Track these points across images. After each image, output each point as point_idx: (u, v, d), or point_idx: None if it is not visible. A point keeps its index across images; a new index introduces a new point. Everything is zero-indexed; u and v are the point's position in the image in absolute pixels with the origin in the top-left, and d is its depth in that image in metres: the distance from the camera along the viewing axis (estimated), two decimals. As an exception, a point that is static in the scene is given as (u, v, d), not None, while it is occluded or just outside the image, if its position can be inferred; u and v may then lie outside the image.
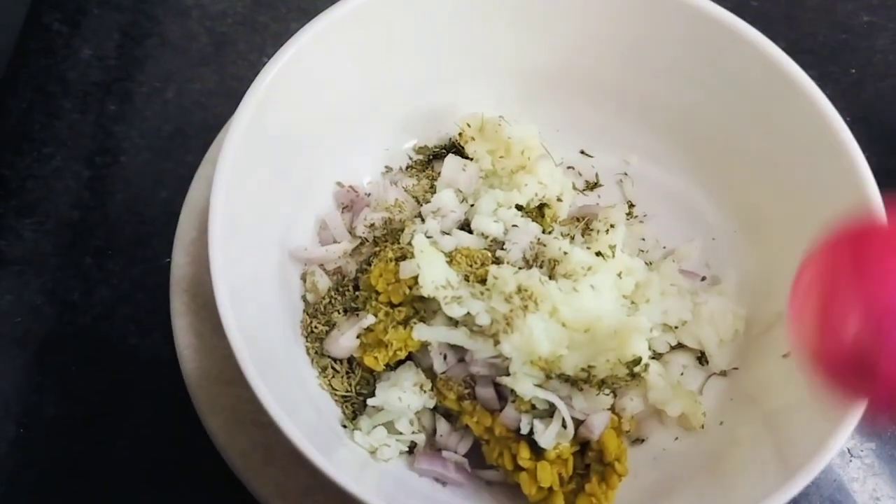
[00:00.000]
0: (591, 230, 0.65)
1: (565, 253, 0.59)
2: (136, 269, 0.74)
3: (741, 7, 0.93)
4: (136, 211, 0.76)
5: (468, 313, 0.56)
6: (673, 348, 0.63)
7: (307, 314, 0.62)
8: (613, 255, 0.60)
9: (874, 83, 0.90)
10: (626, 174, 0.71)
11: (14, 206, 0.76)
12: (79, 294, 0.72)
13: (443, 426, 0.59)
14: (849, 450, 0.72)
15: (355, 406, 0.59)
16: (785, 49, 0.92)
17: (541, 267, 0.60)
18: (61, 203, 0.76)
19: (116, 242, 0.75)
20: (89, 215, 0.76)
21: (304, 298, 0.63)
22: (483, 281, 0.58)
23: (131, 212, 0.76)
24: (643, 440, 0.61)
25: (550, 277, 0.59)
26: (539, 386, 0.56)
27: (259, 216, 0.59)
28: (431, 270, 0.56)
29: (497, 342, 0.55)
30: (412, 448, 0.59)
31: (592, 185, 0.71)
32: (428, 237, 0.60)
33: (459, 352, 0.58)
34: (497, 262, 0.60)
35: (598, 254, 0.60)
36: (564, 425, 0.56)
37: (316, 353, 0.60)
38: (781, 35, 0.93)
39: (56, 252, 0.74)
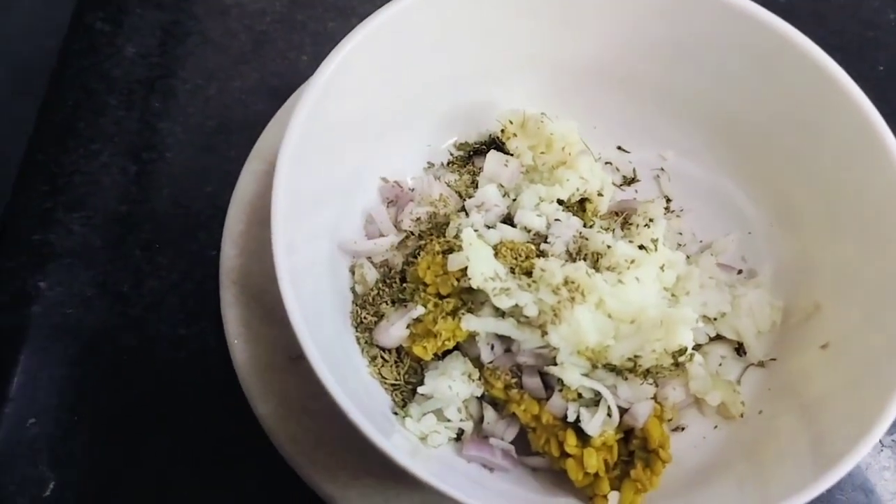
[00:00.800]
0: (630, 224, 0.66)
1: (609, 246, 0.61)
2: (184, 261, 0.75)
3: (769, 5, 0.95)
4: (182, 205, 0.78)
5: (516, 304, 0.57)
6: (712, 339, 0.64)
7: (356, 305, 0.64)
8: (656, 249, 0.61)
9: (903, 79, 0.91)
10: (662, 169, 0.72)
11: (62, 201, 0.78)
12: (128, 286, 0.74)
13: (490, 414, 0.61)
14: (879, 440, 0.73)
15: (404, 394, 0.61)
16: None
17: (584, 260, 0.61)
18: (109, 197, 0.78)
19: (164, 235, 0.77)
20: (137, 209, 0.78)
21: (352, 290, 0.65)
22: (528, 273, 0.59)
23: (178, 205, 0.78)
24: (684, 428, 0.63)
25: (595, 270, 0.60)
26: (585, 375, 0.57)
27: (312, 209, 0.61)
28: (480, 263, 0.57)
29: (545, 333, 0.57)
30: (460, 435, 0.61)
31: (630, 181, 0.73)
32: (474, 231, 0.62)
33: (506, 342, 0.60)
34: (541, 255, 0.61)
35: (641, 247, 0.61)
36: (610, 413, 0.57)
37: (366, 342, 0.62)
38: (809, 32, 0.94)
39: (105, 245, 0.76)
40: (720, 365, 0.64)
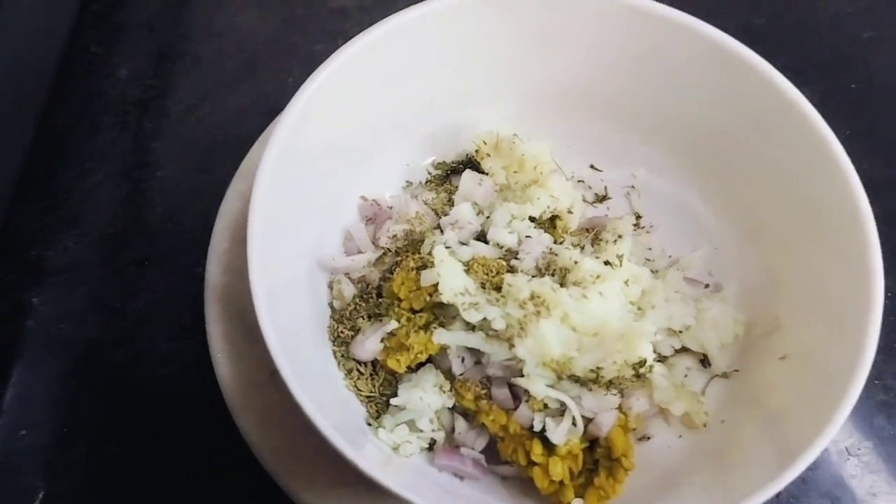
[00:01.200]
0: (601, 240, 0.69)
1: (576, 262, 0.63)
2: (175, 277, 0.78)
3: (747, 25, 0.98)
4: (174, 222, 0.81)
5: (484, 318, 0.60)
6: (677, 351, 0.67)
7: (334, 320, 0.66)
8: (621, 264, 0.63)
9: (875, 97, 0.93)
10: (633, 187, 0.75)
11: (58, 218, 0.81)
12: (121, 301, 0.77)
13: (461, 424, 0.63)
14: (847, 448, 0.75)
15: (379, 406, 0.64)
16: (789, 65, 0.96)
17: (553, 275, 0.64)
18: (103, 215, 0.81)
19: (156, 252, 0.80)
20: (130, 226, 0.81)
21: (330, 305, 0.68)
22: (498, 288, 0.62)
23: (169, 223, 0.81)
24: (649, 438, 0.65)
25: (562, 285, 0.63)
26: (551, 386, 0.60)
27: (291, 228, 0.63)
28: (450, 278, 0.60)
29: (512, 345, 0.59)
30: (432, 445, 0.64)
31: (602, 198, 0.75)
32: (447, 247, 0.64)
33: (476, 355, 0.62)
34: (511, 270, 0.64)
35: (607, 263, 0.64)
36: (574, 423, 0.60)
37: (342, 356, 0.65)
38: (786, 52, 0.97)
39: (99, 261, 0.79)
40: (686, 376, 0.66)
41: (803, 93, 0.93)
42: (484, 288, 0.62)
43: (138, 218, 0.81)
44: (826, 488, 0.74)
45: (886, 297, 0.82)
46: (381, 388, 0.64)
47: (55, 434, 0.73)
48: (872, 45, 0.96)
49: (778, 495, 0.71)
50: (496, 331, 0.60)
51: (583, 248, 0.68)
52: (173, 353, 0.75)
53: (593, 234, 0.70)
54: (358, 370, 0.64)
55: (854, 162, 0.88)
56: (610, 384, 0.60)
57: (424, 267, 0.63)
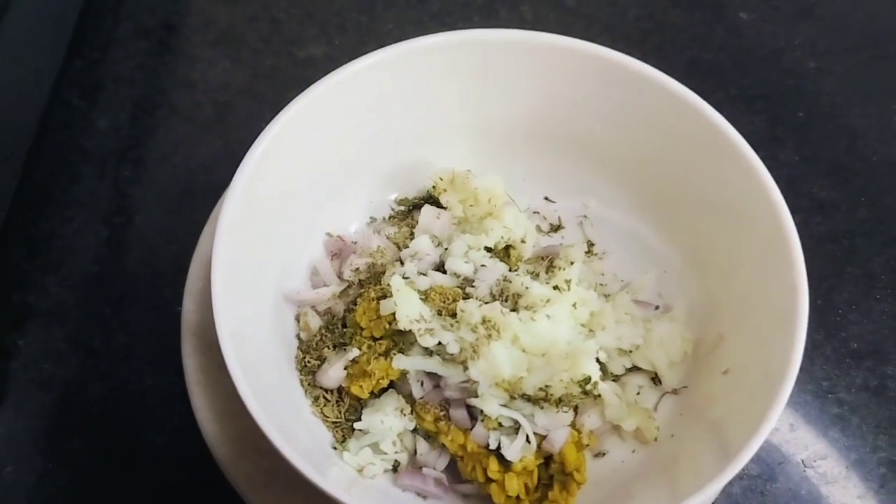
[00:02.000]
0: (555, 267, 0.72)
1: (527, 288, 0.67)
2: (150, 316, 0.82)
3: (695, 59, 1.03)
4: (149, 264, 0.85)
5: (440, 343, 0.63)
6: (629, 370, 0.70)
7: (301, 350, 0.69)
8: (569, 289, 0.67)
9: (822, 124, 0.98)
10: (585, 216, 0.79)
11: (40, 264, 0.84)
12: (99, 341, 0.81)
13: (422, 445, 0.66)
14: (802, 461, 0.78)
15: (345, 430, 0.67)
16: (739, 95, 1.02)
17: (506, 301, 0.67)
18: (83, 259, 0.85)
19: (132, 293, 0.83)
20: (108, 269, 0.84)
21: (298, 336, 0.71)
22: (454, 314, 0.65)
23: (145, 265, 0.85)
24: (604, 453, 0.68)
25: (514, 310, 0.66)
26: (504, 406, 0.63)
27: (256, 266, 0.67)
28: (406, 307, 0.63)
29: (466, 367, 0.62)
30: (396, 466, 0.67)
31: (556, 227, 0.79)
32: (405, 278, 0.68)
33: (434, 378, 0.65)
34: (467, 297, 0.68)
35: (556, 288, 0.67)
36: (528, 440, 0.63)
37: (309, 384, 0.68)
38: (734, 82, 1.02)
39: (78, 304, 0.82)
40: (638, 393, 0.69)
41: (754, 121, 0.99)
42: (441, 315, 0.66)
43: (115, 261, 0.84)
44: (784, 500, 0.77)
45: (838, 314, 0.86)
46: (346, 414, 0.67)
47: (39, 469, 0.75)
48: (818, 75, 1.01)
49: (736, 508, 0.75)
50: (451, 354, 0.63)
51: (537, 275, 0.72)
52: (150, 388, 0.78)
53: (548, 262, 0.74)
54: (324, 397, 0.67)
55: (803, 186, 0.94)
56: (560, 401, 0.63)
57: (384, 297, 0.67)
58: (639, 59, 1.01)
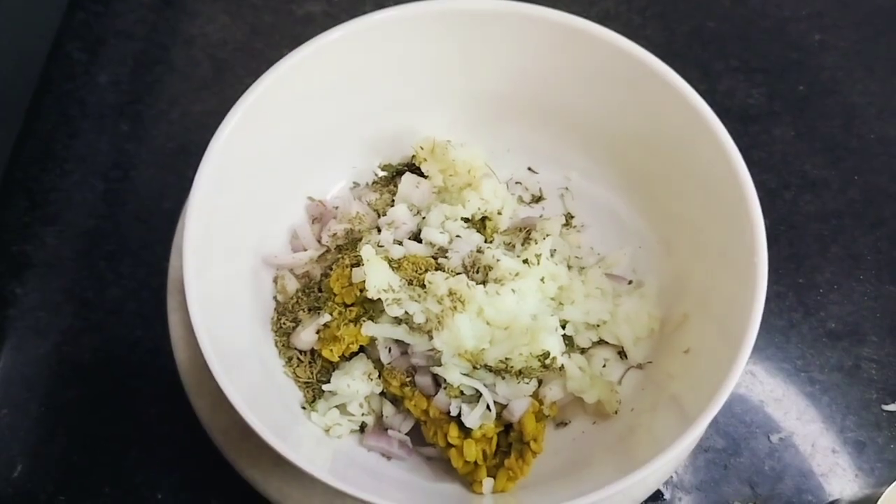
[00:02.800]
0: (531, 239, 0.73)
1: (497, 260, 0.68)
2: (143, 270, 0.85)
3: (699, 28, 1.02)
4: (143, 220, 0.87)
5: (406, 312, 0.65)
6: (596, 343, 0.72)
7: (277, 312, 0.72)
8: (538, 263, 0.68)
9: (820, 100, 0.97)
10: (567, 189, 0.80)
11: (39, 216, 0.87)
12: (93, 293, 0.84)
13: (388, 409, 0.69)
14: (769, 436, 0.80)
15: (315, 391, 0.69)
16: (739, 67, 1.00)
17: (477, 272, 0.69)
18: (80, 213, 0.87)
19: (126, 247, 0.86)
20: (103, 224, 0.87)
21: (275, 298, 0.73)
22: (424, 285, 0.67)
23: (139, 220, 0.87)
24: (567, 423, 0.70)
25: (484, 282, 0.68)
26: (467, 375, 0.65)
27: (235, 227, 0.69)
28: (375, 276, 0.65)
29: (431, 337, 0.64)
30: (362, 427, 0.69)
31: (537, 198, 0.80)
32: (380, 246, 0.70)
33: (402, 345, 0.68)
34: (439, 268, 0.69)
35: (526, 262, 0.69)
36: (489, 408, 0.65)
37: (283, 345, 0.70)
38: (736, 54, 1.01)
39: (74, 256, 0.85)
40: (604, 366, 0.71)
41: (752, 94, 0.98)
42: (412, 284, 0.67)
43: (110, 216, 0.87)
44: (747, 475, 0.79)
45: (819, 294, 0.87)
46: (318, 375, 0.70)
47: (33, 413, 0.79)
48: (821, 49, 1.00)
49: (700, 483, 0.77)
50: (418, 324, 0.65)
51: (513, 246, 0.73)
52: (140, 340, 0.81)
53: (525, 233, 0.75)
54: (297, 358, 0.70)
55: (796, 162, 0.93)
56: (520, 373, 0.65)
57: (358, 265, 0.68)
58: (640, 24, 1.02)
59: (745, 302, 0.60)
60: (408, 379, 0.67)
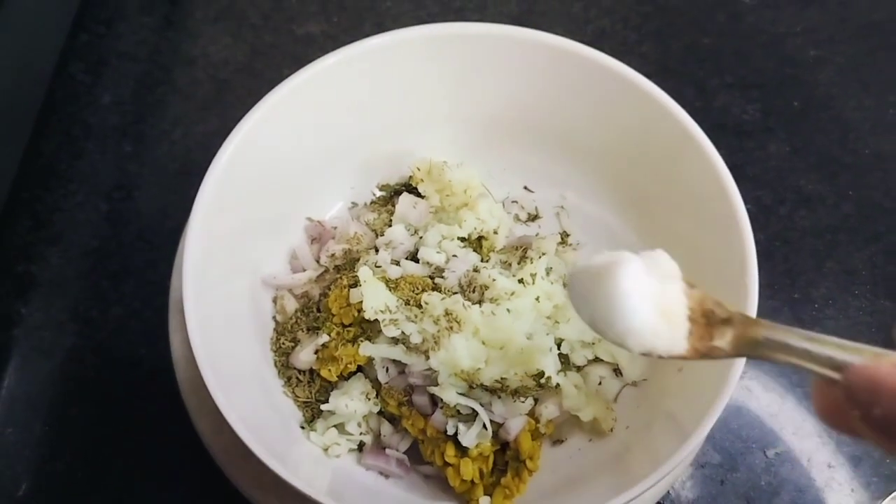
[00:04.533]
0: (526, 258, 0.74)
1: (493, 280, 0.69)
2: (145, 290, 0.86)
3: (693, 44, 1.03)
4: (146, 239, 0.88)
5: (403, 333, 0.66)
6: (592, 361, 0.72)
7: (276, 332, 0.73)
8: (533, 282, 0.69)
9: (815, 114, 0.97)
10: (562, 207, 0.81)
11: (43, 236, 0.89)
12: (96, 312, 0.85)
13: (386, 428, 0.70)
14: (765, 451, 0.80)
15: (314, 411, 0.70)
16: (734, 83, 1.01)
17: (473, 291, 0.70)
18: (83, 233, 0.89)
19: (129, 267, 0.87)
20: (106, 243, 0.88)
21: (274, 318, 0.74)
22: (421, 305, 0.68)
23: (142, 240, 0.88)
24: (563, 441, 0.71)
25: (480, 301, 0.69)
26: (463, 394, 0.66)
27: (235, 248, 0.70)
28: (372, 298, 0.66)
29: (427, 357, 0.65)
30: (361, 446, 0.70)
31: (533, 217, 0.81)
32: (378, 267, 0.71)
33: (399, 365, 0.68)
34: (436, 288, 0.70)
35: (521, 281, 0.70)
36: (485, 427, 0.66)
37: (282, 365, 0.71)
38: (732, 69, 1.02)
39: (78, 276, 0.87)
40: (599, 384, 0.72)
41: (747, 110, 0.99)
42: (408, 304, 0.68)
43: (114, 236, 0.88)
44: (744, 490, 0.79)
45: (814, 309, 0.87)
46: (316, 395, 0.71)
47: (37, 432, 0.80)
48: (816, 64, 1.00)
49: (697, 499, 0.78)
50: (414, 344, 0.66)
51: (510, 264, 0.74)
52: (143, 359, 0.83)
53: (521, 252, 0.76)
54: (296, 378, 0.71)
55: (791, 178, 0.94)
56: (516, 393, 0.66)
57: (356, 285, 0.69)
58: (635, 41, 1.03)
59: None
60: (405, 398, 0.68)
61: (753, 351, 0.45)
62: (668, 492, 0.77)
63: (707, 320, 0.46)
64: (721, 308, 0.46)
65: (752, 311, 0.61)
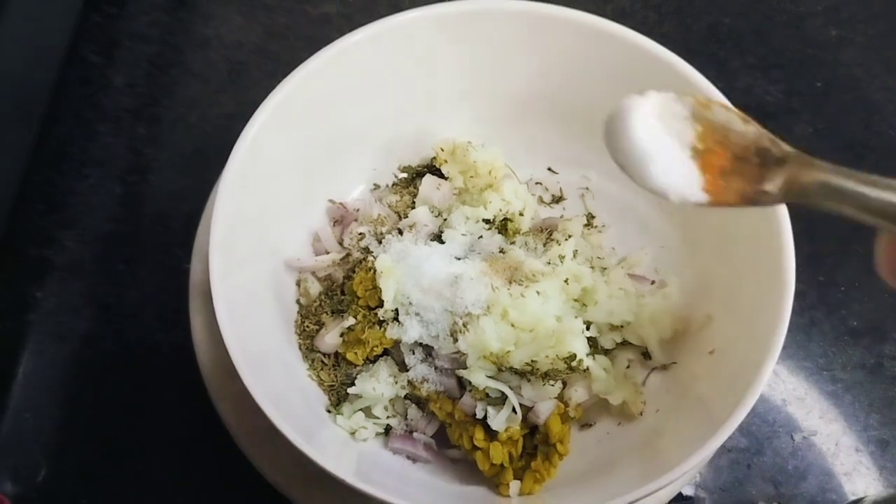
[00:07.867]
0: (552, 240, 0.73)
1: (521, 262, 0.68)
2: (161, 274, 0.84)
3: (715, 24, 1.01)
4: (161, 223, 0.87)
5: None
6: (620, 344, 0.71)
7: (300, 315, 0.72)
8: (562, 264, 0.68)
9: (839, 96, 0.96)
10: (587, 189, 0.79)
11: (57, 220, 0.87)
12: (112, 296, 0.84)
13: (413, 411, 0.69)
14: (792, 436, 0.79)
15: (339, 394, 0.69)
16: (756, 63, 1.00)
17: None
18: (98, 217, 0.87)
19: (144, 251, 0.86)
20: (121, 227, 0.87)
21: (298, 302, 0.73)
22: (447, 289, 0.67)
23: (157, 224, 0.87)
24: (591, 425, 0.70)
25: (507, 283, 0.68)
26: (492, 377, 0.65)
27: (258, 231, 0.69)
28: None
29: (455, 340, 0.64)
30: (387, 430, 0.69)
31: (558, 199, 0.80)
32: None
33: (427, 348, 0.67)
34: (461, 271, 0.69)
35: (549, 263, 0.68)
36: (515, 411, 0.65)
37: (307, 348, 0.70)
38: (753, 50, 1.00)
39: (93, 260, 0.85)
40: (627, 367, 0.71)
41: (770, 90, 0.97)
42: (434, 288, 0.67)
43: (128, 220, 0.87)
44: (770, 474, 0.78)
45: (840, 292, 0.86)
46: (342, 378, 0.69)
47: (55, 417, 0.79)
48: (839, 44, 0.99)
49: (724, 483, 0.77)
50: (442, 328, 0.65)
51: (536, 248, 0.73)
52: (159, 343, 0.81)
53: (546, 234, 0.75)
54: (321, 361, 0.70)
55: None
56: (546, 376, 0.65)
57: (381, 268, 0.68)
58: (656, 21, 1.01)
59: (774, 303, 0.60)
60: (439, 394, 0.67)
61: (806, 198, 0.41)
62: (696, 476, 0.76)
63: (761, 160, 0.43)
64: (777, 147, 0.43)
65: (789, 294, 0.60)
